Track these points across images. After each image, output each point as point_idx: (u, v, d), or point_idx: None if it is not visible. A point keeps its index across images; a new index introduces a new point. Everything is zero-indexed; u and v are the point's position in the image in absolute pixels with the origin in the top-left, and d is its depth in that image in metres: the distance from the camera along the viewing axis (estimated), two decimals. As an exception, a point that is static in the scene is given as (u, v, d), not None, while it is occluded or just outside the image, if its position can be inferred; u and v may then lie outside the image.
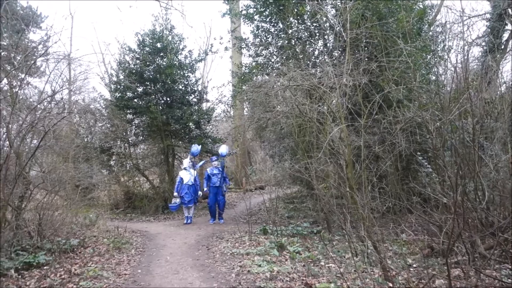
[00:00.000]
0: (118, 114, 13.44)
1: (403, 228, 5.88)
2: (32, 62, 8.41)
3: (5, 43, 10.94)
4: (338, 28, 7.22)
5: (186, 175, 10.83)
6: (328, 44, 9.25)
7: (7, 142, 6.78)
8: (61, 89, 8.40)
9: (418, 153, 6.98)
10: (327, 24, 8.98)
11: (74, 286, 5.18)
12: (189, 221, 10.80)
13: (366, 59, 6.99)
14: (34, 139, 8.12)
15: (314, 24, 9.51)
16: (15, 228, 6.75)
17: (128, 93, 13.58)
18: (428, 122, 5.63)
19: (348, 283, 4.82)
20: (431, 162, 7.36)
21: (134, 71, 13.13)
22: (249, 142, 19.64)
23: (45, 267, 6.07)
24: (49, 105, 8.47)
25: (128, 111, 13.93)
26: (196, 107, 14.20)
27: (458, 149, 4.51)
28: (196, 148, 11.19)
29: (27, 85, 12.13)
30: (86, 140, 14.30)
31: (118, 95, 13.67)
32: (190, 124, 13.76)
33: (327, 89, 5.93)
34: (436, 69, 8.22)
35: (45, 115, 7.32)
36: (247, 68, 11.52)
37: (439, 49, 9.01)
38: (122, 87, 13.53)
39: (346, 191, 5.44)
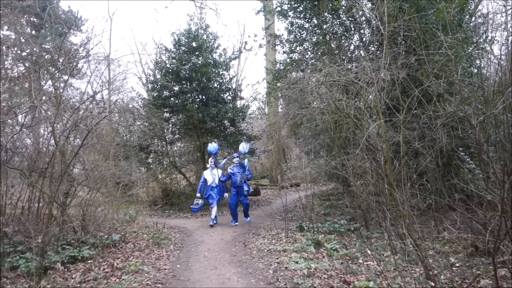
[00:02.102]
0: (156, 112, 13.75)
1: (445, 226, 5.71)
2: (75, 64, 8.73)
3: (49, 46, 11.37)
4: (374, 22, 7.07)
5: (209, 176, 10.14)
6: (364, 39, 9.08)
7: (53, 141, 7.09)
8: (102, 89, 8.69)
9: (460, 148, 6.74)
10: (363, 18, 8.82)
11: (117, 280, 5.36)
12: (215, 221, 10.07)
13: (404, 52, 6.81)
14: (77, 138, 8.45)
15: (350, 19, 9.36)
16: (61, 224, 7.04)
17: (164, 92, 13.86)
18: (471, 117, 5.43)
19: (388, 281, 4.74)
20: (474, 158, 7.10)
21: (170, 70, 13.39)
22: (284, 139, 19.59)
23: (89, 261, 6.32)
24: (91, 105, 8.77)
25: (165, 110, 14.21)
26: (231, 105, 14.31)
27: (505, 144, 4.32)
28: (212, 146, 10.46)
29: (70, 86, 12.61)
30: (125, 138, 14.71)
31: (155, 94, 13.99)
32: (225, 121, 13.89)
33: (364, 85, 5.82)
34: (478, 62, 7.91)
35: (87, 115, 7.59)
36: (281, 64, 11.49)
37: (481, 40, 8.66)
38: (159, 86, 13.83)
39: (385, 188, 5.34)
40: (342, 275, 5.09)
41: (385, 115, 5.95)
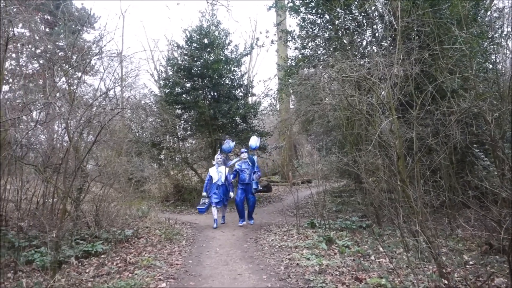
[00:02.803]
0: (168, 109, 13.81)
1: (459, 223, 5.64)
2: (88, 61, 8.83)
3: (63, 44, 11.50)
4: (388, 17, 6.99)
5: (215, 173, 9.46)
6: (377, 34, 9.00)
7: (67, 137, 7.17)
8: (114, 86, 8.77)
9: (475, 145, 6.65)
10: (376, 13, 8.74)
11: (130, 274, 5.41)
12: (222, 221, 9.77)
13: (417, 48, 6.72)
14: (90, 134, 8.55)
15: (362, 14, 9.28)
16: (75, 219, 7.14)
17: (176, 89, 13.93)
18: (486, 113, 5.34)
19: (400, 278, 4.70)
20: (489, 154, 6.99)
21: (182, 67, 13.44)
22: (296, 135, 19.55)
23: (102, 256, 6.40)
24: (104, 101, 8.86)
25: (177, 106, 14.29)
26: (243, 101, 14.32)
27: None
28: (228, 145, 9.96)
29: (83, 83, 12.75)
30: (137, 135, 14.83)
31: (167, 90, 14.06)
32: (237, 118, 13.90)
33: (377, 80, 5.76)
34: (494, 57, 7.78)
35: (100, 112, 7.67)
36: (293, 61, 11.46)
37: (496, 35, 8.51)
38: (171, 82, 13.90)
39: (398, 185, 5.29)
40: (354, 272, 5.07)
41: (398, 111, 5.88)
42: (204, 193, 9.43)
